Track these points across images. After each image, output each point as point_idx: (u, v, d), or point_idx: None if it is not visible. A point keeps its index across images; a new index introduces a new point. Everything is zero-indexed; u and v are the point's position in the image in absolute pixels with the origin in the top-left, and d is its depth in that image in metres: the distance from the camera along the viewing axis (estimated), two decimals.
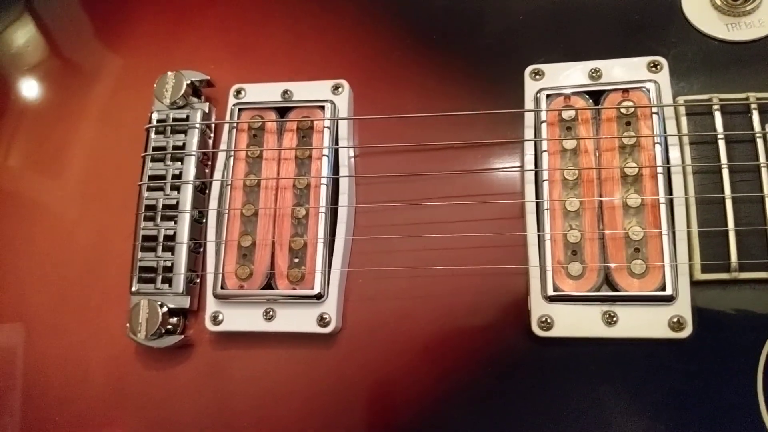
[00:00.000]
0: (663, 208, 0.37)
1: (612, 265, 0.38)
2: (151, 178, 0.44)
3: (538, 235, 0.39)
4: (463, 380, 0.39)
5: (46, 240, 0.48)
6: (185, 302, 0.43)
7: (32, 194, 0.49)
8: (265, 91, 0.45)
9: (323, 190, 0.42)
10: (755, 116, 0.38)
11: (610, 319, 0.37)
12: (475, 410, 0.39)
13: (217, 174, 0.44)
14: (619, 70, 0.41)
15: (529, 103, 0.42)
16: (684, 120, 0.39)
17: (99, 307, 0.46)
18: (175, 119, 0.45)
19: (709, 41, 0.41)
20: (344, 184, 0.43)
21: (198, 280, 0.44)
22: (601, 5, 0.44)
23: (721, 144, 0.38)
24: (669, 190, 0.38)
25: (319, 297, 0.41)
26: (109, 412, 0.44)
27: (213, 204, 0.44)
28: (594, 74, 0.41)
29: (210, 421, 0.42)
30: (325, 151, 0.43)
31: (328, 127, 0.43)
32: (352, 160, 0.44)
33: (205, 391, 0.43)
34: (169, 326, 0.43)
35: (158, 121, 0.45)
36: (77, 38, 0.52)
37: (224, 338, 0.43)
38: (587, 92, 0.41)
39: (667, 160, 0.38)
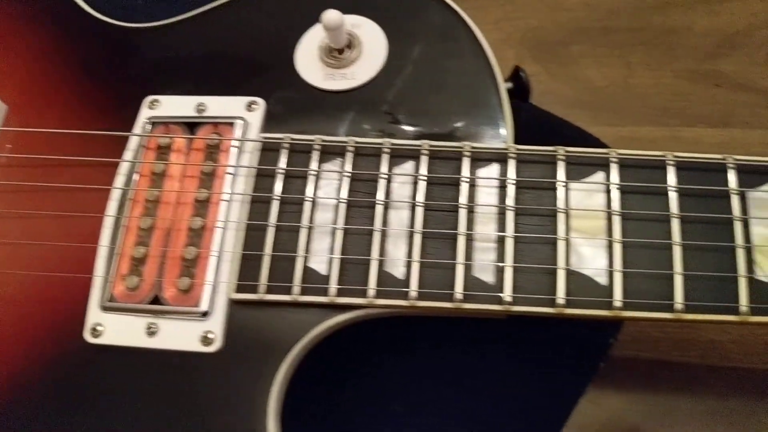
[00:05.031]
0: (217, 232, 0.41)
1: (163, 280, 0.40)
2: None
3: (111, 248, 0.42)
4: (27, 383, 0.41)
5: None
6: None
7: None
8: None
9: None
10: (314, 155, 0.42)
11: (150, 331, 0.40)
12: (38, 410, 0.40)
13: None
14: (220, 106, 0.45)
15: (137, 129, 0.45)
16: (258, 155, 0.43)
17: None
18: None
19: (309, 88, 0.46)
20: None
21: None
22: (228, 48, 0.48)
23: (279, 178, 0.41)
24: (228, 215, 0.41)
25: None
26: None
27: None
28: (199, 108, 0.45)
29: None
30: None
31: None
32: None
33: None
34: None
35: None
36: None
37: None
38: (188, 123, 0.45)
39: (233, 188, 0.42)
